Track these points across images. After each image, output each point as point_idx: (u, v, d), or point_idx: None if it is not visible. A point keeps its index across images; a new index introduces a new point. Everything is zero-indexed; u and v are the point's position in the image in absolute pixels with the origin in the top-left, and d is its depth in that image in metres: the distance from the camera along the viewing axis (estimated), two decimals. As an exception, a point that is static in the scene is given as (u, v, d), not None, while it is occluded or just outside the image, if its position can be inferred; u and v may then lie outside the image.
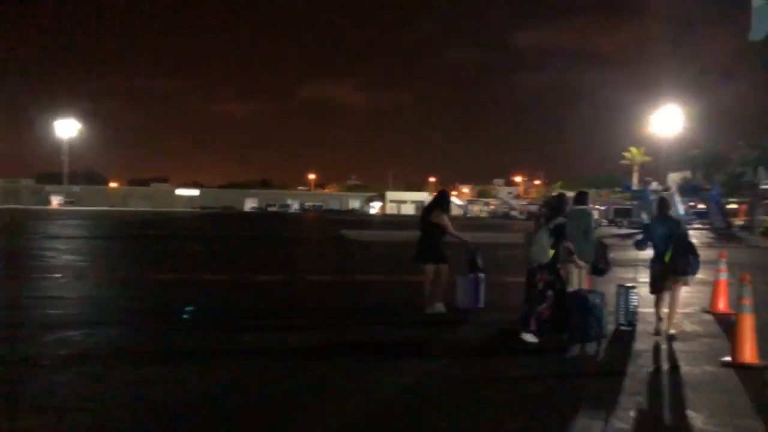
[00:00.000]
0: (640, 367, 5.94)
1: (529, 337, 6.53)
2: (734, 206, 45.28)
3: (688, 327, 7.82)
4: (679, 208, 34.39)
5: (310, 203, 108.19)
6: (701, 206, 37.05)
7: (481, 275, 8.54)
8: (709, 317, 8.57)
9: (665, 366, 6.06)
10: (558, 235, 6.73)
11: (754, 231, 37.83)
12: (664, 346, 6.81)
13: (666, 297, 7.36)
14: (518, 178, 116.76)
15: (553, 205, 6.96)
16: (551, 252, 6.65)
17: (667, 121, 52.24)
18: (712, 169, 59.31)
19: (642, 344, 6.88)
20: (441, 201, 8.46)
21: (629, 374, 5.67)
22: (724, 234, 33.57)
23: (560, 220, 6.81)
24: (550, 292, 6.58)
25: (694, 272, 7.18)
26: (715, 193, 35.85)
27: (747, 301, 6.02)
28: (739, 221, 41.17)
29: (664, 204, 7.85)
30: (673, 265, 7.12)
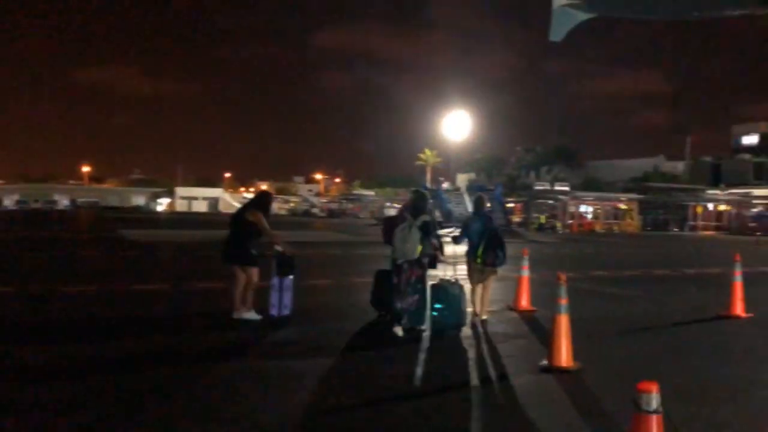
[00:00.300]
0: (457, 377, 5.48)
1: (399, 331, 6.92)
2: (511, 205, 50.33)
3: (499, 327, 7.74)
4: (468, 206, 37.18)
5: (83, 199, 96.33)
6: (486, 205, 40.59)
7: (289, 278, 7.76)
8: (514, 315, 8.66)
9: (489, 374, 5.69)
10: (425, 231, 7.04)
11: (529, 227, 42.52)
12: (482, 348, 6.65)
13: (479, 288, 8.01)
14: (318, 176, 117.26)
15: (416, 203, 7.28)
16: (419, 248, 6.99)
17: (456, 125, 56.31)
18: (493, 171, 65.83)
19: (455, 347, 6.52)
20: (260, 201, 7.94)
21: (453, 389, 5.16)
22: (505, 230, 36.93)
23: (426, 217, 7.12)
24: (420, 286, 7.00)
25: (501, 264, 7.96)
26: (497, 193, 39.35)
27: (563, 301, 5.91)
28: (516, 219, 45.98)
29: (480, 202, 8.39)
30: (484, 258, 7.82)
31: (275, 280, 7.66)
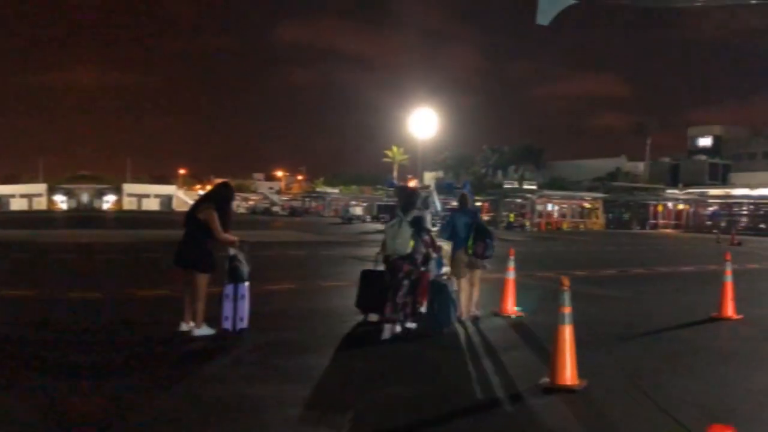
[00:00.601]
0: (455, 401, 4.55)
1: (398, 328, 6.60)
2: (479, 204, 49.92)
3: (488, 336, 6.90)
4: (437, 204, 36.47)
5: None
6: (454, 203, 39.98)
7: (244, 285, 6.57)
8: (501, 321, 7.80)
9: (486, 398, 4.77)
10: (416, 227, 6.86)
11: (498, 225, 42.08)
12: (472, 363, 5.71)
13: (466, 285, 7.79)
14: (279, 173, 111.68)
15: (407, 199, 7.06)
16: (411, 243, 6.77)
17: (423, 123, 55.52)
18: (460, 169, 65.40)
19: (446, 360, 5.59)
20: (215, 195, 6.77)
21: (445, 420, 4.23)
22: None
23: (417, 212, 6.95)
24: (406, 282, 6.74)
25: (491, 254, 7.81)
26: (466, 191, 38.78)
27: (567, 310, 5.04)
28: (485, 217, 45.53)
29: (465, 198, 8.35)
30: (474, 249, 7.68)
31: (228, 288, 6.50)
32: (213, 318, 6.47)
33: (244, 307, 6.52)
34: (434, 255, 7.29)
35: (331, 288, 10.39)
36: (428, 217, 8.01)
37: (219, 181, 7.07)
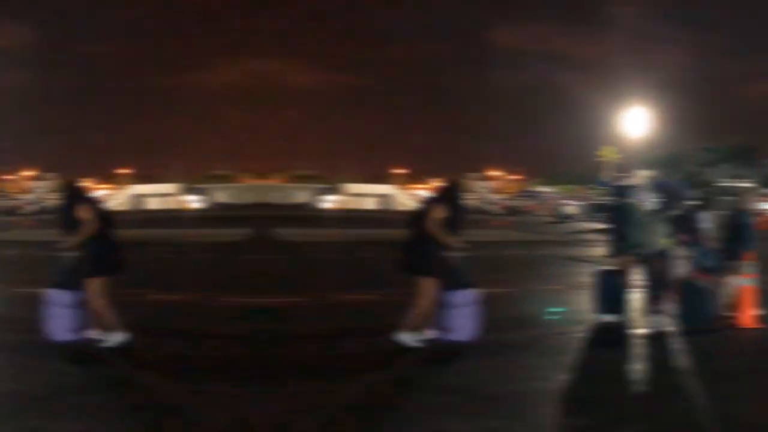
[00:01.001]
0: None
1: (656, 324, 6.23)
2: (693, 202, 43.83)
3: (732, 353, 5.82)
4: (650, 201, 32.85)
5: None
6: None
7: (466, 292, 5.55)
8: (740, 335, 6.57)
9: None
10: (676, 225, 6.55)
11: (716, 225, 36.68)
12: (716, 393, 4.58)
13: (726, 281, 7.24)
14: (495, 173, 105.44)
15: (667, 196, 6.74)
16: (665, 241, 6.45)
17: (635, 123, 50.53)
18: (672, 167, 58.47)
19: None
20: (451, 195, 5.74)
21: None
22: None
23: (675, 211, 6.63)
24: (657, 279, 6.41)
25: (735, 257, 7.13)
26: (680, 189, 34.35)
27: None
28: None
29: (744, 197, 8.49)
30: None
31: (447, 295, 5.46)
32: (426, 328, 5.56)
33: (464, 316, 5.40)
34: (688, 253, 6.71)
35: (552, 291, 9.42)
36: (707, 217, 7.12)
37: (445, 181, 6.09)
